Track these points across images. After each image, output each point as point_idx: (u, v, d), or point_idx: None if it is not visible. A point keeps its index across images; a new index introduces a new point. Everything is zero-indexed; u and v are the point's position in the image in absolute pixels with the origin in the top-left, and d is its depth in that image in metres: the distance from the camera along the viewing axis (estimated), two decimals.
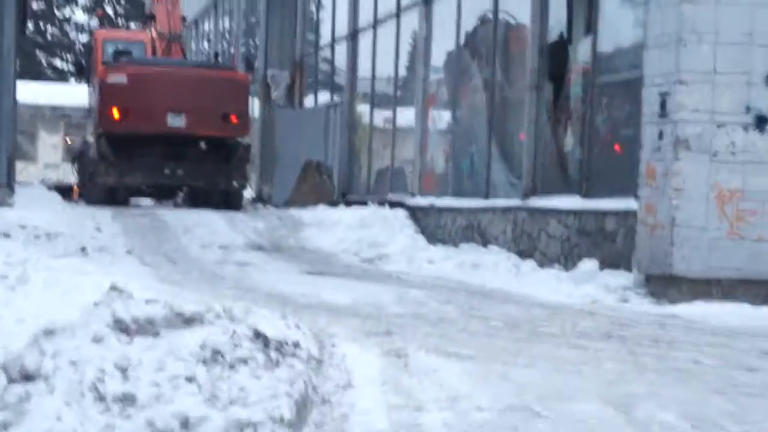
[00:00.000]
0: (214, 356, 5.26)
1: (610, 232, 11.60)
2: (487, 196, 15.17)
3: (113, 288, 6.35)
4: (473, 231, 15.13)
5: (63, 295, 8.03)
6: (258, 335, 5.68)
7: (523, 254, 13.37)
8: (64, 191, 25.46)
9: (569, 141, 13.44)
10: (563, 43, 13.63)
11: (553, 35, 13.79)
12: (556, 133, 13.73)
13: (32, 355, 4.83)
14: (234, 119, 20.26)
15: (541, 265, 12.71)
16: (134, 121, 19.79)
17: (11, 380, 4.64)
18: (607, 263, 11.38)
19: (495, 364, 6.60)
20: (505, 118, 15.20)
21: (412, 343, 7.17)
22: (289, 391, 4.92)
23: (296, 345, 5.83)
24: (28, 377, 4.72)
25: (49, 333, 5.73)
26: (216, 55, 28.02)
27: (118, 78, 19.87)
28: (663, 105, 10.46)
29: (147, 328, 5.75)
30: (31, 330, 6.24)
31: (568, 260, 12.32)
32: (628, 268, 10.93)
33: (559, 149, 13.68)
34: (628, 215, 11.15)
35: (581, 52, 13.30)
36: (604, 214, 11.74)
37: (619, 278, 10.85)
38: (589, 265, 11.29)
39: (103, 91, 20.15)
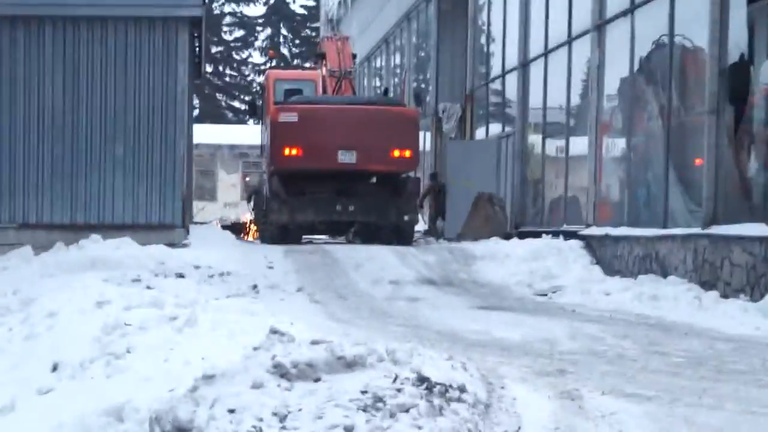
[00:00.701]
0: (374, 403, 5.02)
1: None
2: (665, 224, 14.58)
3: (274, 331, 6.19)
4: (651, 261, 14.55)
5: (229, 337, 7.96)
6: (422, 380, 5.42)
7: (705, 285, 12.75)
8: (240, 229, 25.86)
9: (753, 166, 12.77)
10: (744, 64, 13.00)
11: (732, 57, 13.17)
12: (738, 158, 13.08)
13: (186, 406, 4.68)
14: (404, 154, 20.15)
15: (725, 296, 12.08)
16: (306, 159, 19.89)
17: None
18: None
19: (678, 406, 6.17)
20: (682, 144, 14.61)
21: (587, 384, 6.79)
22: None
23: (462, 389, 5.54)
24: (182, 429, 4.56)
25: (208, 379, 5.61)
26: (386, 90, 28.07)
27: (290, 117, 20.01)
28: None
29: (307, 372, 5.56)
30: (195, 373, 6.14)
31: (754, 290, 11.66)
32: None
33: (742, 175, 13.02)
34: None
35: (765, 74, 12.65)
36: None
37: None
38: None
39: (274, 130, 20.34)
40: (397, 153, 20.09)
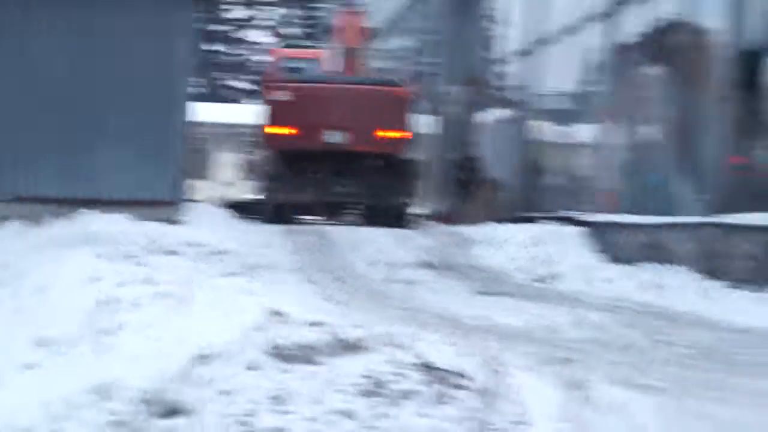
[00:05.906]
0: (376, 388, 4.78)
1: None
2: (670, 212, 14.33)
3: (273, 312, 5.96)
4: (654, 249, 14.31)
5: (225, 316, 7.71)
6: (425, 366, 5.19)
7: (710, 274, 12.51)
8: (236, 208, 25.56)
9: (761, 154, 12.53)
10: (756, 53, 12.74)
11: (745, 43, 12.90)
12: (746, 147, 12.84)
13: (178, 387, 4.44)
14: (392, 135, 19.83)
15: (732, 286, 11.84)
16: (297, 138, 19.59)
17: (155, 414, 4.25)
18: None
19: (687, 399, 5.96)
20: (689, 131, 14.36)
21: (594, 373, 6.55)
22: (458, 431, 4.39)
23: (466, 376, 5.31)
24: (173, 411, 4.32)
25: (203, 359, 5.38)
26: (386, 71, 27.68)
27: (282, 95, 19.71)
28: None
29: (306, 354, 5.34)
30: (190, 353, 5.89)
31: (760, 281, 11.44)
32: None
33: (750, 164, 12.78)
34: None
35: None
36: None
37: None
38: None
39: (267, 108, 20.05)
40: (385, 133, 19.77)
